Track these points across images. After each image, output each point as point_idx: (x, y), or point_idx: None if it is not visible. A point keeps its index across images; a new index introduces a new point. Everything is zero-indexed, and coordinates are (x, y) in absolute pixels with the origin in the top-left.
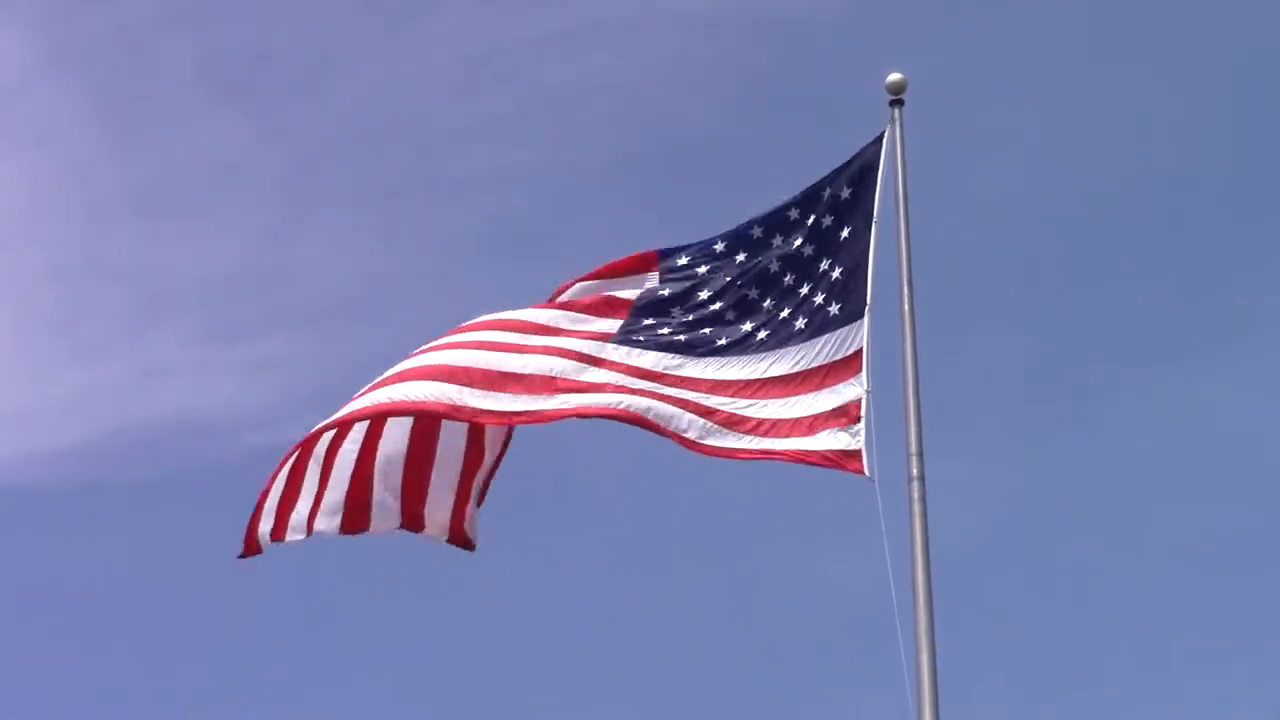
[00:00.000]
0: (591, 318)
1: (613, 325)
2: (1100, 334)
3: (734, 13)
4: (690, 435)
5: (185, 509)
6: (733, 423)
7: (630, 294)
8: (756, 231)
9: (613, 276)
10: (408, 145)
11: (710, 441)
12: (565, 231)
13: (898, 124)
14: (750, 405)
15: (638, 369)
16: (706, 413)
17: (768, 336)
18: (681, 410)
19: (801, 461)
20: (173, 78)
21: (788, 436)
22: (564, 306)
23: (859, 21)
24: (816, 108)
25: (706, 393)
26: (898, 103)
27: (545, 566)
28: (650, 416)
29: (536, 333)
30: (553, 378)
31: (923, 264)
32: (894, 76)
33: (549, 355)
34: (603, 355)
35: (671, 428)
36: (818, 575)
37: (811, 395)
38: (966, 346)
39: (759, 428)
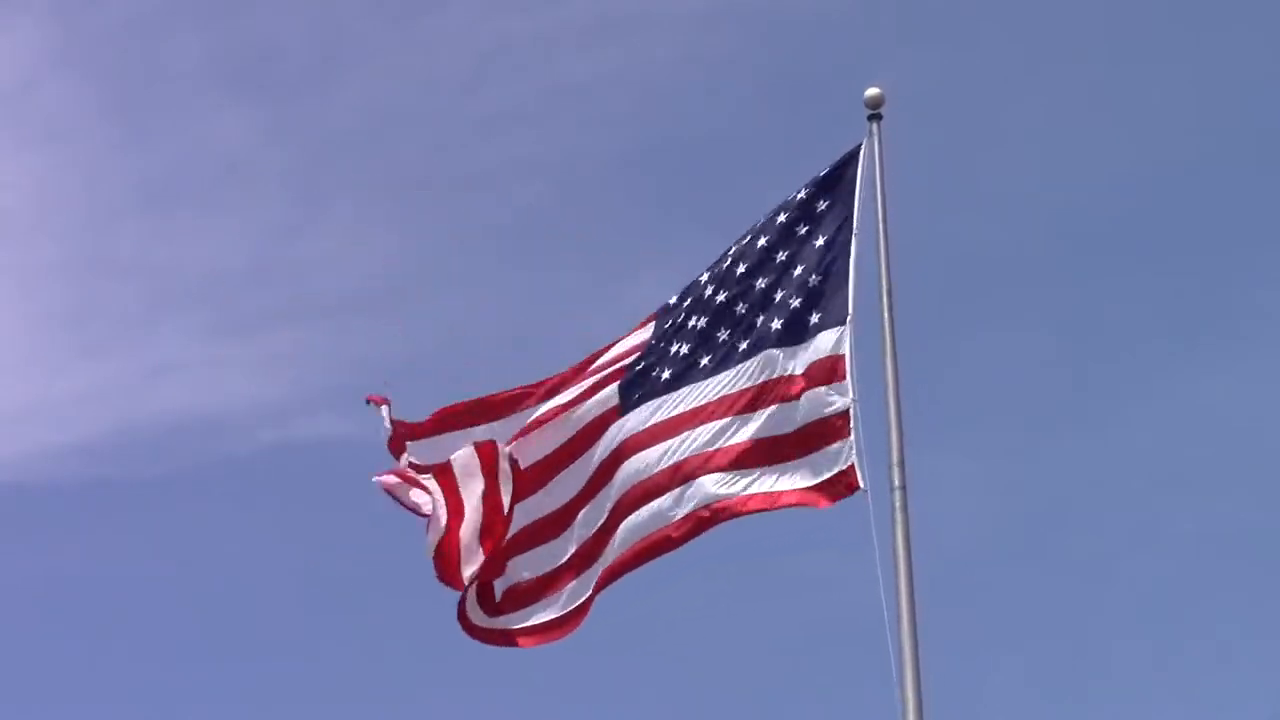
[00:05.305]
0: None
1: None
2: (1106, 330)
3: (746, 8)
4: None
5: (193, 506)
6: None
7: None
8: (739, 268)
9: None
10: (418, 139)
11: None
12: (577, 226)
13: (875, 138)
14: (735, 429)
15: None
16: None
17: (748, 346)
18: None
19: (804, 505)
20: (181, 72)
21: (780, 463)
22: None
23: (870, 16)
24: (829, 103)
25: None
26: (876, 117)
27: None
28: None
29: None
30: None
31: (927, 259)
32: (871, 91)
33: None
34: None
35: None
36: (816, 578)
37: (797, 402)
38: (971, 343)
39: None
